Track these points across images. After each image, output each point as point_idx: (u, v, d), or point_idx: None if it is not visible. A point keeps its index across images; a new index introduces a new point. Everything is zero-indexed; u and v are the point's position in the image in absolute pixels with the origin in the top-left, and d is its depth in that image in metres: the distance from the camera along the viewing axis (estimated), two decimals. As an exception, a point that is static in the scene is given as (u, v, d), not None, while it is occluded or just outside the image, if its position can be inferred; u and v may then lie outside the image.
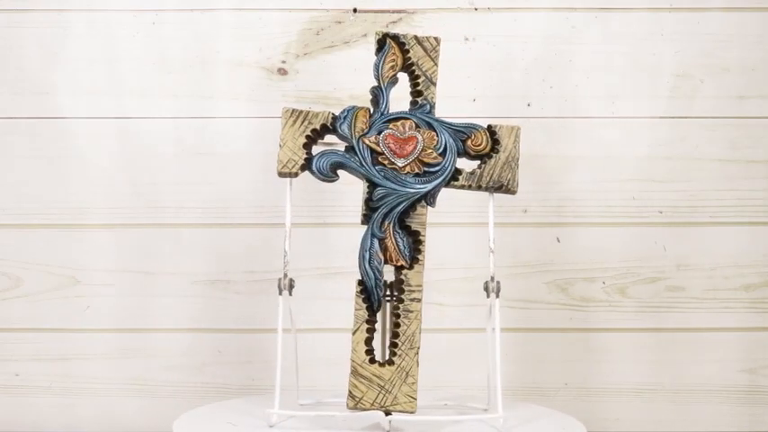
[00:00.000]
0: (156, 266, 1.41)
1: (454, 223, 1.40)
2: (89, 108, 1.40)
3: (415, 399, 1.06)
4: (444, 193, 1.40)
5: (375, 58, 1.13)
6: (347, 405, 1.05)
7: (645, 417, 1.42)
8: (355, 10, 1.40)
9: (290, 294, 1.08)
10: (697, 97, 1.40)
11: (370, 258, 1.08)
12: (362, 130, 1.09)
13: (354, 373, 1.05)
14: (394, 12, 1.39)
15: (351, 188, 1.15)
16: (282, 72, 1.40)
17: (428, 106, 1.14)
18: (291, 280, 1.08)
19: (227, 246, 1.40)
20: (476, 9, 1.40)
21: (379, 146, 1.09)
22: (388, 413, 1.06)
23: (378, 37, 1.13)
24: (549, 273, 1.41)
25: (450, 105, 1.40)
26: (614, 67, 1.40)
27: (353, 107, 1.10)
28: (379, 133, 1.10)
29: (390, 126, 1.11)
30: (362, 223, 1.09)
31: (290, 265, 1.08)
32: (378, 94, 1.12)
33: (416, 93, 1.14)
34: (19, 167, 1.40)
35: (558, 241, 1.41)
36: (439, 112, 1.40)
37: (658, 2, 1.39)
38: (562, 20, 1.39)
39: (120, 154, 1.40)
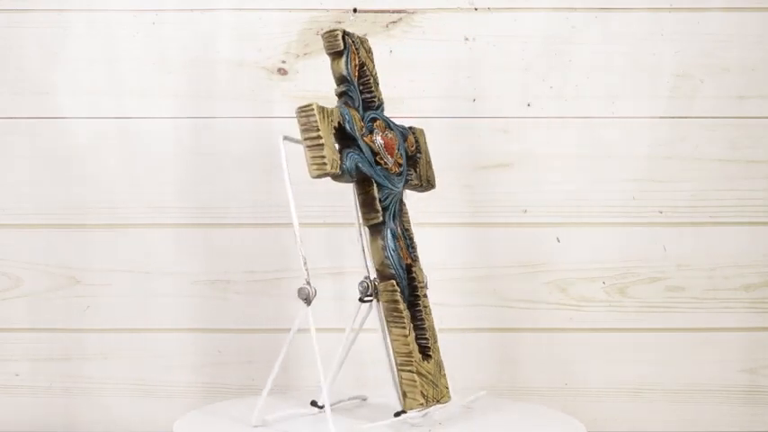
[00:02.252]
0: (156, 266, 1.41)
1: (454, 223, 1.40)
2: (89, 108, 1.40)
3: (449, 388, 1.09)
4: (444, 194, 1.40)
5: (329, 56, 1.09)
6: (420, 405, 1.04)
7: (645, 417, 1.42)
8: (355, 10, 1.40)
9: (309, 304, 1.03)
10: (697, 97, 1.40)
11: (399, 258, 1.07)
12: (362, 129, 1.08)
13: (418, 373, 1.05)
14: (394, 12, 1.39)
15: (336, 188, 1.13)
16: (282, 72, 1.40)
17: (383, 106, 1.12)
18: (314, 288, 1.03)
19: (227, 246, 1.40)
20: (476, 9, 1.40)
21: (375, 145, 1.09)
22: (399, 414, 1.06)
23: (339, 33, 1.08)
24: (549, 273, 1.41)
25: (450, 105, 1.40)
26: (614, 67, 1.40)
27: (344, 105, 1.08)
28: (371, 133, 1.09)
29: (375, 126, 1.10)
30: (370, 224, 1.07)
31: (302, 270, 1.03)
32: (353, 94, 1.09)
33: (368, 92, 1.11)
34: (19, 167, 1.40)
35: (558, 241, 1.41)
36: (439, 112, 1.40)
37: (658, 2, 1.39)
38: (562, 20, 1.40)
39: (120, 154, 1.40)
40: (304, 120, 1.01)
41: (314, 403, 1.13)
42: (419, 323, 1.08)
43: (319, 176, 1.00)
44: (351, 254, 1.08)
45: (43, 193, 1.40)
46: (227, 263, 1.41)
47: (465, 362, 1.40)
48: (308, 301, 1.02)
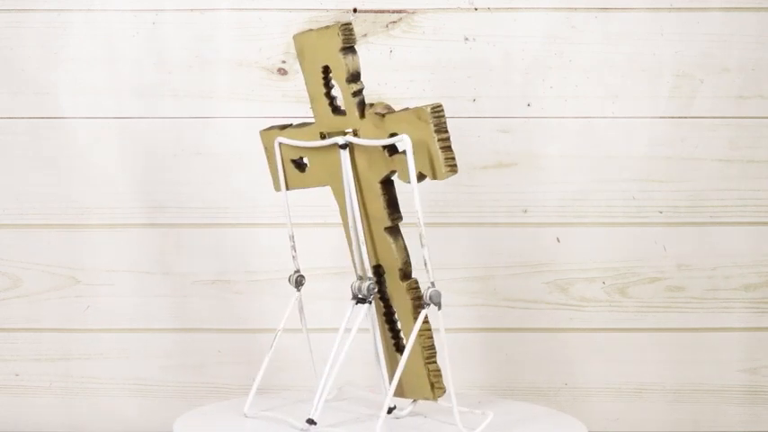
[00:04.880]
0: (155, 266, 1.41)
1: (454, 223, 1.40)
2: (89, 108, 1.40)
3: None
4: (444, 194, 1.40)
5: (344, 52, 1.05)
6: (444, 392, 1.05)
7: (645, 417, 1.42)
8: (355, 10, 1.40)
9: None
10: (697, 97, 1.40)
11: None
12: None
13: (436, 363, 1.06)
14: (394, 12, 1.39)
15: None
16: (282, 72, 1.40)
17: None
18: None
19: (227, 246, 1.40)
20: (476, 9, 1.40)
21: None
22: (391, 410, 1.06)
23: (353, 25, 1.05)
24: (549, 273, 1.41)
25: (451, 105, 1.39)
26: (614, 67, 1.40)
27: None
28: None
29: None
30: (394, 224, 1.05)
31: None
32: (363, 93, 1.06)
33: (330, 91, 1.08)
34: (19, 167, 1.40)
35: (558, 241, 1.41)
36: (439, 112, 1.40)
37: (658, 2, 1.39)
38: (562, 20, 1.40)
39: (120, 154, 1.40)
40: (436, 120, 0.99)
41: (310, 421, 1.04)
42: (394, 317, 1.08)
43: (447, 176, 1.00)
44: (348, 254, 1.08)
45: (43, 192, 1.40)
46: (227, 263, 1.41)
47: (465, 362, 1.40)
48: (439, 305, 1.03)
